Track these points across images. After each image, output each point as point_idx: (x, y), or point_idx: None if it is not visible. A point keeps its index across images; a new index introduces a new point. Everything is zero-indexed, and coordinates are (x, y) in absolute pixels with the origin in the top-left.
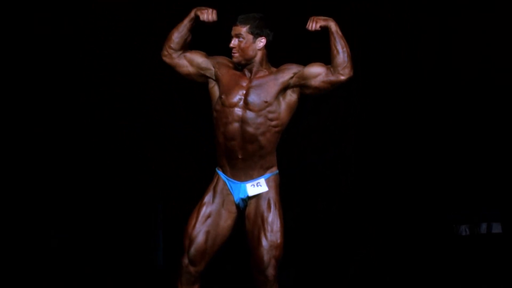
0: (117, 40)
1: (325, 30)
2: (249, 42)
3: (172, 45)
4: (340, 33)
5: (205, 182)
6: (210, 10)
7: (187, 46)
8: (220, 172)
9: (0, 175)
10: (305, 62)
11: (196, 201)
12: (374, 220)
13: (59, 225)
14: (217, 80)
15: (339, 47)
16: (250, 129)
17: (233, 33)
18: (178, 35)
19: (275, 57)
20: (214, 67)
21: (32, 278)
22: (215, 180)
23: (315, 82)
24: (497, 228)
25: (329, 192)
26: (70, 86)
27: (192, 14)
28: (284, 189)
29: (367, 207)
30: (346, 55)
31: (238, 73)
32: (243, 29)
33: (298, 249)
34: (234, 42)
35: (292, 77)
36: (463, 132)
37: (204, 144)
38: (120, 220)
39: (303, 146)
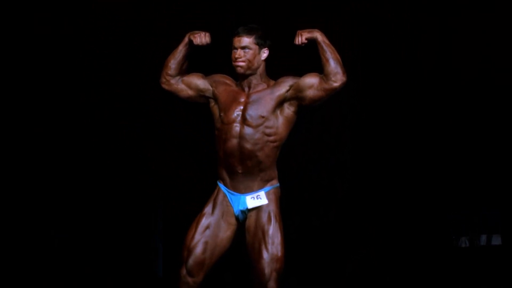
0: (117, 40)
1: (313, 41)
2: (255, 53)
3: (169, 72)
4: (327, 41)
5: (205, 183)
6: (202, 34)
7: (184, 72)
8: (221, 185)
9: (0, 175)
10: (305, 63)
11: (196, 202)
12: (374, 221)
13: (59, 225)
14: (215, 99)
15: (328, 55)
16: (248, 145)
17: (237, 44)
18: (174, 61)
19: (275, 57)
20: (211, 86)
21: (32, 278)
22: (216, 192)
23: (310, 93)
24: (496, 240)
25: (328, 193)
26: (70, 86)
27: (186, 39)
28: (284, 201)
29: (367, 207)
30: (335, 61)
31: (235, 89)
32: (250, 40)
33: (299, 254)
34: (240, 53)
35: (288, 90)
36: (463, 132)
37: (204, 144)
38: (120, 220)
39: (300, 154)
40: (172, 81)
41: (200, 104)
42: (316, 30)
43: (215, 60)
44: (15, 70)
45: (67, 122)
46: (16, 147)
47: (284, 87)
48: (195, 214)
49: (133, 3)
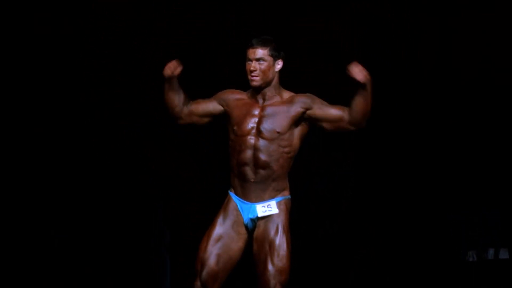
0: (117, 40)
1: (357, 83)
2: (270, 64)
3: (175, 109)
4: (370, 91)
5: (205, 183)
6: (170, 65)
7: (186, 98)
8: (232, 194)
9: (0, 175)
10: (304, 63)
11: (196, 202)
12: (374, 221)
13: (59, 225)
14: (228, 115)
15: (363, 105)
16: (263, 156)
17: (252, 56)
18: (169, 98)
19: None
20: (222, 105)
21: (32, 278)
22: (226, 201)
23: (324, 124)
24: (504, 254)
25: (330, 193)
26: (70, 86)
27: (164, 77)
28: (291, 213)
29: (367, 207)
30: (365, 113)
31: (248, 101)
32: (264, 51)
33: (304, 266)
34: (255, 65)
35: (304, 112)
36: (463, 132)
37: (204, 144)
38: (120, 220)
39: (306, 168)
40: (183, 114)
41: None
42: (369, 76)
43: (215, 60)
44: (15, 70)
45: (67, 122)
46: (16, 147)
47: (300, 108)
48: (195, 214)
49: (133, 3)
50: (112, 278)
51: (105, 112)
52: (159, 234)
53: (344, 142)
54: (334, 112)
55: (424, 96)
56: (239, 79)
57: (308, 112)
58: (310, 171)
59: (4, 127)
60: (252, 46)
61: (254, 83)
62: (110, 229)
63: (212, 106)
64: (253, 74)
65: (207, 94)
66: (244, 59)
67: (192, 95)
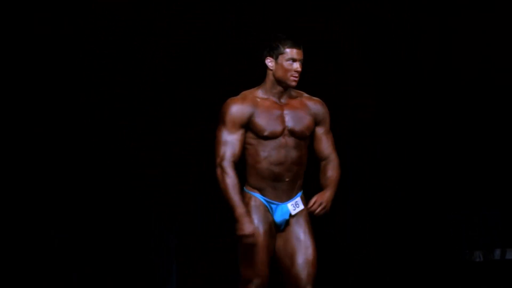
0: (117, 40)
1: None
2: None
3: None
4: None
5: (205, 183)
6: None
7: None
8: (256, 194)
9: (0, 175)
10: (304, 60)
11: (197, 202)
12: (374, 221)
13: (59, 225)
14: (252, 123)
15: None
16: (296, 152)
17: (298, 57)
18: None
19: None
20: (246, 125)
21: (32, 278)
22: (252, 203)
23: (314, 136)
24: (511, 254)
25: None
26: (70, 86)
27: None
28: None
29: (367, 207)
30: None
31: (266, 103)
32: (303, 53)
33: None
34: (300, 66)
35: (315, 121)
36: (463, 132)
37: (204, 144)
38: (120, 220)
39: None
40: (234, 163)
41: (200, 104)
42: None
43: (215, 60)
44: (15, 70)
45: (67, 122)
46: (16, 147)
47: (315, 117)
48: (196, 214)
49: (133, 3)
50: (113, 278)
51: (105, 112)
52: (159, 234)
53: (343, 142)
54: (324, 145)
55: (424, 96)
56: (239, 79)
57: (316, 125)
58: (309, 173)
59: (4, 127)
60: (298, 46)
61: (294, 84)
62: (110, 229)
63: (242, 133)
64: (297, 75)
65: (207, 94)
66: (244, 58)
67: (192, 95)
